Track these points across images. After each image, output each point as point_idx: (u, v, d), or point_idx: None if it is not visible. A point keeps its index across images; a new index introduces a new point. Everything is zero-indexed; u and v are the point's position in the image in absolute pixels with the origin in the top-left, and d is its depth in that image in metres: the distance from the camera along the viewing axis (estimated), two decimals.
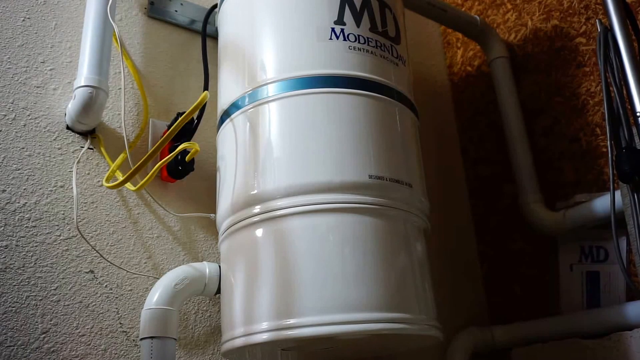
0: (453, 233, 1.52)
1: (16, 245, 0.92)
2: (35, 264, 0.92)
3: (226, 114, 1.01)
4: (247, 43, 1.02)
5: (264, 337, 0.84)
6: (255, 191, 0.91)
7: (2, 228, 0.92)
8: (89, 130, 1.04)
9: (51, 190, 0.98)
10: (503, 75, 1.50)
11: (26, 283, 0.91)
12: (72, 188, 0.99)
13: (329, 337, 0.85)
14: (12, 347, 0.87)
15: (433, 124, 1.58)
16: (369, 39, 0.99)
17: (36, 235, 0.94)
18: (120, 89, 1.06)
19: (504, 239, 1.49)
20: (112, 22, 1.02)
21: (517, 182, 1.41)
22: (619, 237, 1.19)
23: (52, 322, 0.91)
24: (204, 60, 1.13)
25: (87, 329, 0.94)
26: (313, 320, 0.82)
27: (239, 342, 0.87)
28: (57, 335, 0.91)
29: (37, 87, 1.02)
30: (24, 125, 0.99)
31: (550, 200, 1.38)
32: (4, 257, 0.90)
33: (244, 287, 0.89)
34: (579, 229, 1.29)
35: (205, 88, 1.09)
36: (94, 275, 0.97)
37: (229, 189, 0.96)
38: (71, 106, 0.99)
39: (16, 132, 0.98)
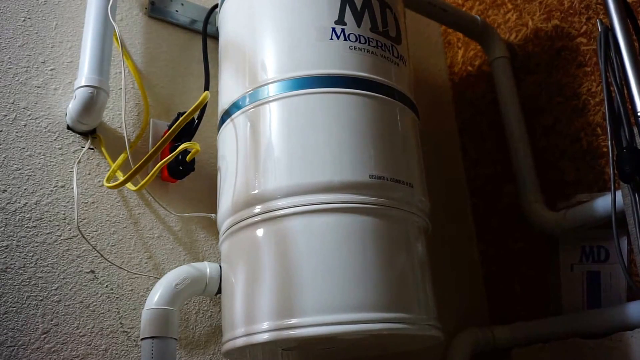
0: (453, 233, 1.52)
1: (17, 246, 0.92)
2: (36, 264, 0.92)
3: (227, 114, 1.01)
4: (247, 43, 1.02)
5: (264, 337, 0.84)
6: (256, 191, 0.91)
7: (3, 228, 0.92)
8: (90, 130, 1.04)
9: (52, 191, 0.98)
10: (504, 75, 1.50)
11: (27, 283, 0.91)
12: (72, 188, 0.99)
13: (330, 337, 0.85)
14: (12, 347, 0.87)
15: (434, 124, 1.58)
16: (370, 39, 0.99)
17: (37, 235, 0.94)
18: (121, 89, 1.06)
19: (505, 238, 1.49)
20: (112, 22, 1.02)
21: (518, 182, 1.41)
22: (619, 237, 1.19)
23: (52, 322, 0.91)
24: (205, 60, 1.13)
25: (88, 329, 0.94)
26: (314, 320, 0.82)
27: (239, 342, 0.87)
28: (57, 335, 0.91)
29: (38, 87, 1.02)
30: (25, 126, 0.99)
31: (551, 200, 1.38)
32: (5, 257, 0.90)
33: (245, 287, 0.89)
34: (580, 228, 1.29)
35: (206, 88, 1.09)
36: (95, 276, 0.97)
37: (229, 189, 0.96)
38: (72, 106, 1.00)
39: (17, 132, 0.98)
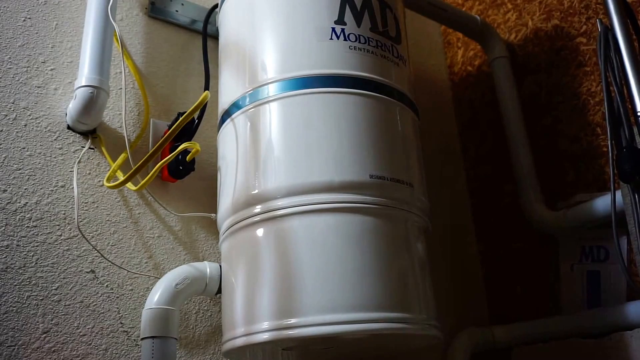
0: (453, 233, 1.52)
1: (17, 245, 0.92)
2: (36, 263, 0.93)
3: (227, 114, 1.01)
4: (247, 43, 1.02)
5: (264, 336, 0.84)
6: (256, 191, 0.91)
7: (3, 228, 0.92)
8: (90, 130, 1.04)
9: (52, 190, 0.98)
10: (504, 75, 1.50)
11: (27, 283, 0.91)
12: (73, 188, 0.99)
13: (330, 337, 0.85)
14: (13, 347, 0.87)
15: (434, 124, 1.58)
16: (370, 39, 0.99)
17: (37, 235, 0.94)
18: (121, 89, 1.06)
19: (505, 238, 1.49)
20: (113, 22, 1.02)
21: (518, 182, 1.41)
22: (619, 236, 1.19)
23: (53, 322, 0.91)
24: (205, 60, 1.13)
25: (88, 328, 0.94)
26: (314, 320, 0.82)
27: (239, 341, 0.87)
28: (58, 335, 0.91)
29: (38, 87, 1.02)
30: (25, 125, 0.99)
31: (550, 199, 1.38)
32: (5, 257, 0.90)
33: (245, 287, 0.89)
34: (580, 228, 1.29)
35: (206, 88, 1.09)
36: (95, 275, 0.97)
37: (229, 189, 0.96)
38: (72, 106, 1.00)
39: (17, 132, 0.98)
